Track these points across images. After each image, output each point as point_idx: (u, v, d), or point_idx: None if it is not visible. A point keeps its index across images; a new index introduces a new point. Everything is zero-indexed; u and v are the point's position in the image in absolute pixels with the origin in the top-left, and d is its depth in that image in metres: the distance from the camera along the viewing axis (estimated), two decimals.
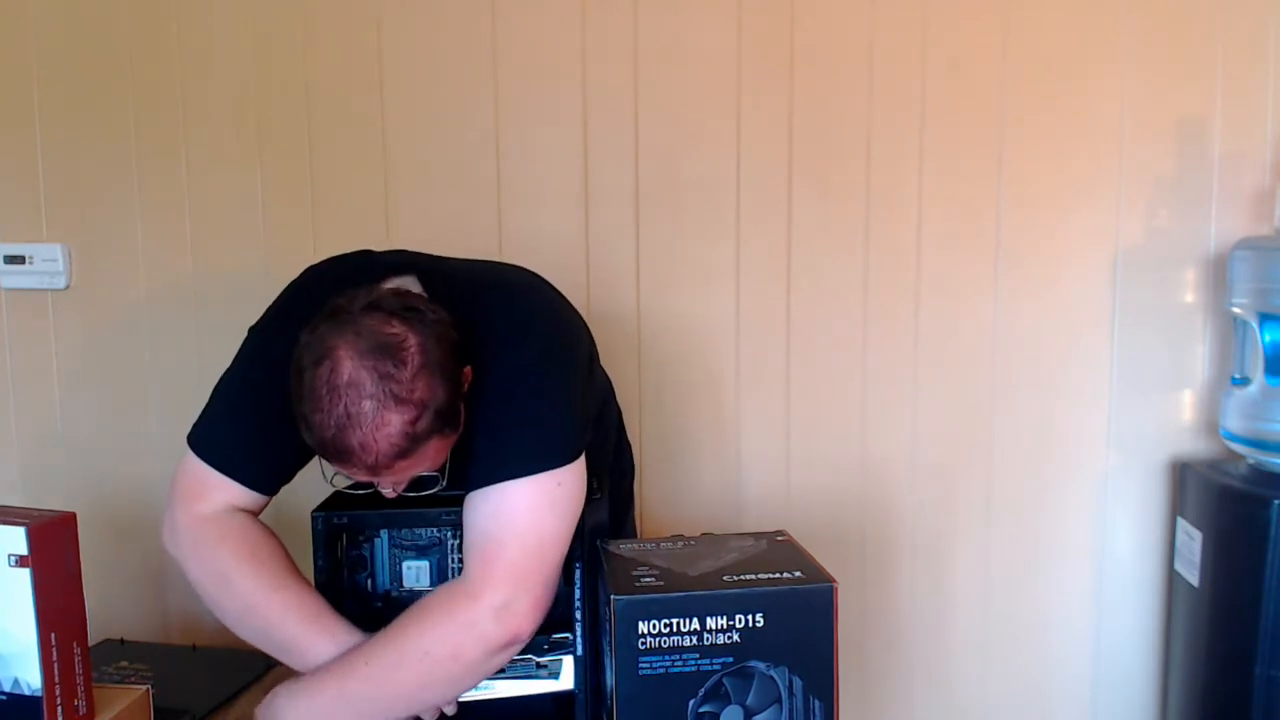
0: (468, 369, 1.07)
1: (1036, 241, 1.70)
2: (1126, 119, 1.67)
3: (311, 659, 1.10)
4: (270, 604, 1.12)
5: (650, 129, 1.68)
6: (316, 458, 1.08)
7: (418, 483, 1.12)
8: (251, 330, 1.20)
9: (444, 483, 1.11)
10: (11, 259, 1.73)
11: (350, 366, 0.98)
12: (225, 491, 1.18)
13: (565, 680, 1.12)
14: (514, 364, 1.10)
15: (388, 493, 1.11)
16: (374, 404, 0.97)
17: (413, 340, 1.00)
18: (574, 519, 1.09)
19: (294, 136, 1.69)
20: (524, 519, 1.06)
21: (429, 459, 1.06)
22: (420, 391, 0.99)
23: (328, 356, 0.98)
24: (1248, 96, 1.66)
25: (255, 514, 1.21)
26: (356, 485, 1.13)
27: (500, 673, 1.09)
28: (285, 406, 1.05)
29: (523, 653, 1.09)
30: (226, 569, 1.14)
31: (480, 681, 1.08)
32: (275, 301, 1.22)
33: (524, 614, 1.04)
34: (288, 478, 1.21)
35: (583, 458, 1.11)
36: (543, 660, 1.13)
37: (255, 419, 1.16)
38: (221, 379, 1.21)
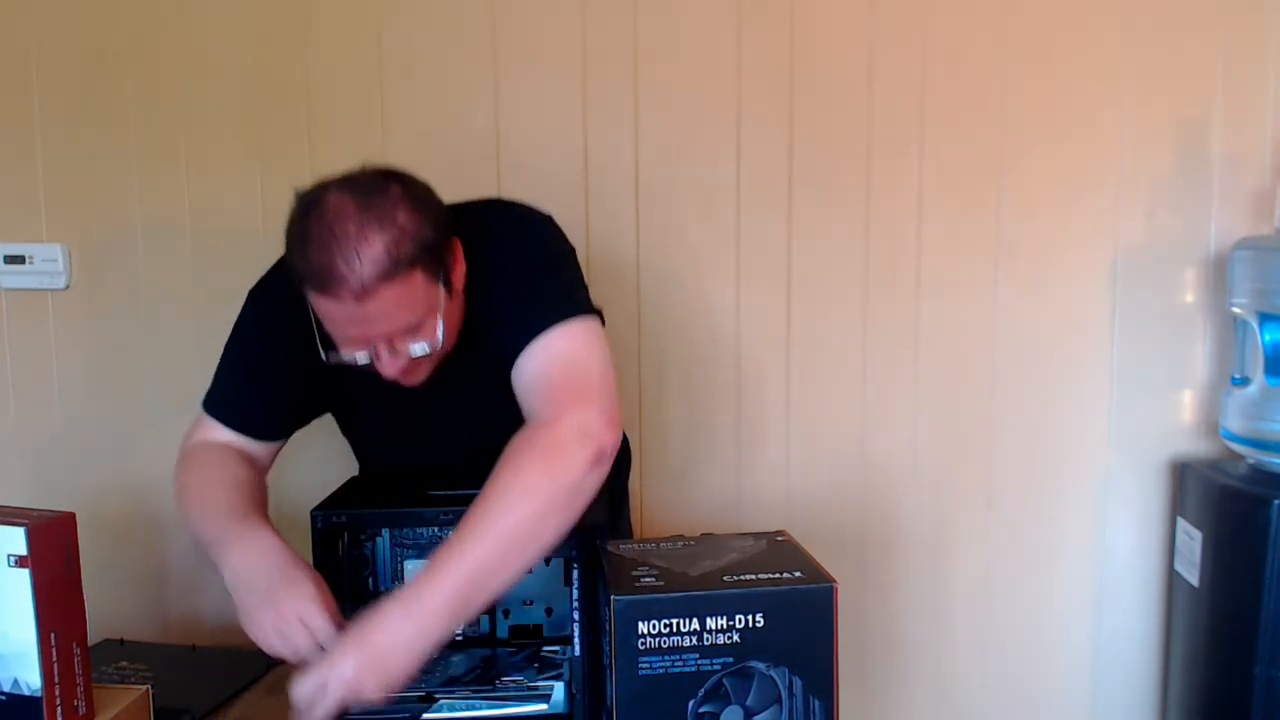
0: (456, 240, 1.13)
1: (1036, 241, 1.70)
2: (1126, 119, 1.67)
3: (240, 548, 1.10)
4: (216, 501, 1.16)
5: (650, 129, 1.68)
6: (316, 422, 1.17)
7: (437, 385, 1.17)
8: (249, 293, 1.27)
9: (439, 341, 1.12)
10: (11, 259, 1.73)
11: (336, 202, 1.06)
12: (224, 436, 1.27)
13: (557, 704, 1.12)
14: (520, 246, 1.19)
15: (388, 370, 1.12)
16: (357, 225, 1.04)
17: (396, 186, 1.09)
18: (610, 362, 1.15)
19: (294, 136, 1.69)
20: (571, 354, 1.12)
21: (418, 303, 1.08)
22: (402, 220, 1.06)
23: (317, 202, 1.07)
24: (1248, 96, 1.66)
25: (258, 459, 1.28)
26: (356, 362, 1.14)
27: (493, 699, 1.10)
28: (279, 359, 1.19)
29: (515, 678, 1.12)
30: (198, 476, 1.22)
31: (585, 502, 1.05)
32: (272, 266, 1.27)
33: (602, 427, 1.06)
34: (283, 428, 1.29)
35: (595, 317, 1.18)
36: (535, 685, 1.13)
37: (250, 371, 1.26)
38: (226, 342, 1.29)
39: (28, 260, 1.73)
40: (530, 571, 1.23)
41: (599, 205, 1.70)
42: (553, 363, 1.11)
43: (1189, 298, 1.71)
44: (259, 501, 1.20)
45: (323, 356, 1.13)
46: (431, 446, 1.29)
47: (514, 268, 1.18)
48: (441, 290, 1.11)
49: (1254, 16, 1.65)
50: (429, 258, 1.08)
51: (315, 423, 1.37)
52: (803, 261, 1.71)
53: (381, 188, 1.08)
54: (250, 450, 1.27)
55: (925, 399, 1.74)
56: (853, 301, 1.72)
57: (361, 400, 1.28)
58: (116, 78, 1.69)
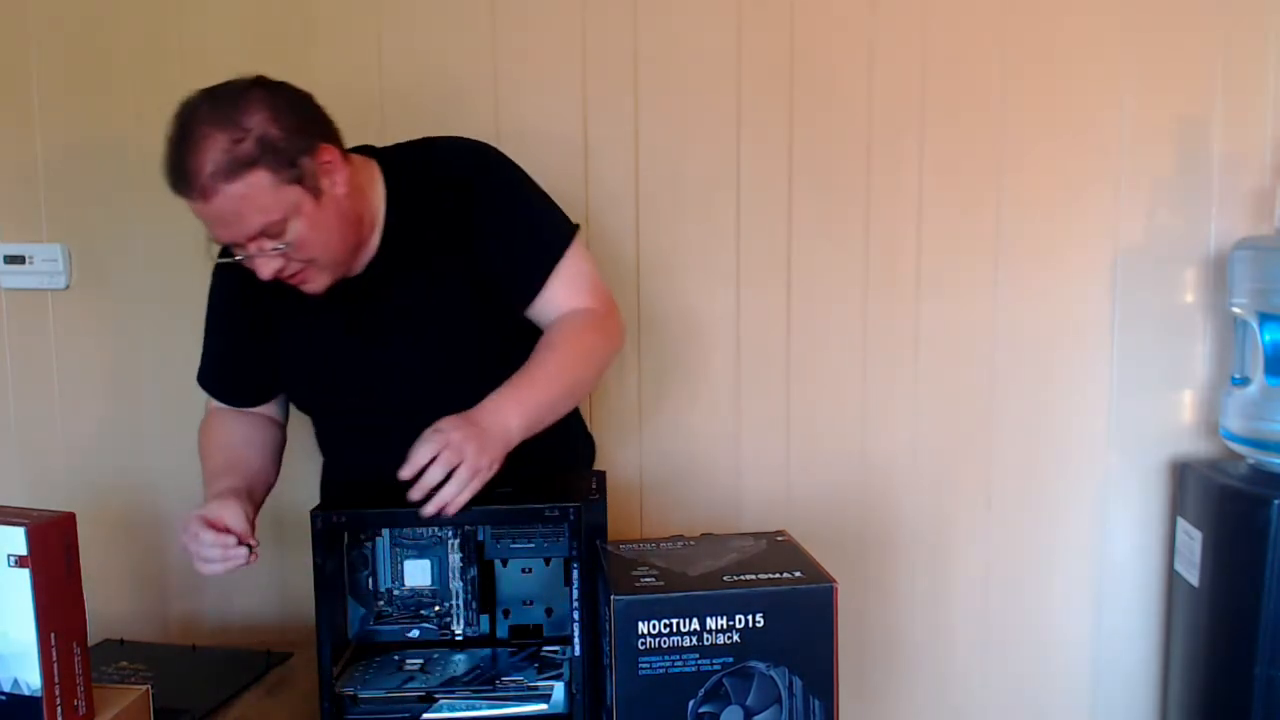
0: (323, 144, 1.17)
1: (1036, 241, 1.70)
2: (1126, 119, 1.67)
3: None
4: (209, 465, 1.32)
5: (650, 129, 1.68)
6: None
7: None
8: (215, 265, 1.31)
9: (291, 242, 1.17)
10: (11, 259, 1.73)
11: (190, 104, 1.14)
12: (216, 404, 1.40)
13: (557, 704, 1.12)
14: (494, 184, 1.29)
15: (263, 272, 1.18)
16: (202, 127, 1.11)
17: (258, 91, 1.14)
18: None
19: None
20: (585, 272, 1.31)
21: (269, 204, 1.13)
22: (250, 121, 1.12)
23: (179, 108, 1.14)
24: (1248, 96, 1.66)
25: (268, 414, 1.41)
26: (229, 255, 1.21)
27: (493, 699, 1.11)
28: (236, 326, 1.31)
29: (515, 678, 1.13)
30: (203, 441, 1.37)
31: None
32: None
33: (621, 321, 1.34)
34: (255, 393, 1.39)
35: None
36: (535, 685, 1.13)
37: (216, 341, 1.37)
38: None
39: (28, 260, 1.73)
40: (529, 572, 1.25)
41: (599, 205, 1.70)
42: (581, 275, 1.30)
43: (1189, 298, 1.71)
44: (241, 459, 1.32)
45: (208, 253, 1.24)
46: (384, 404, 1.30)
47: (499, 209, 1.27)
48: (301, 192, 1.15)
49: (1254, 16, 1.65)
50: (275, 158, 1.12)
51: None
52: (803, 261, 1.71)
53: (238, 91, 1.13)
54: (251, 411, 1.39)
55: (925, 399, 1.74)
56: (853, 301, 1.72)
57: (310, 351, 1.32)
58: (116, 78, 1.69)
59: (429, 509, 1.07)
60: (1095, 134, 1.68)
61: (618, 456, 1.72)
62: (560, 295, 1.28)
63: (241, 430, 1.37)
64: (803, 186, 1.70)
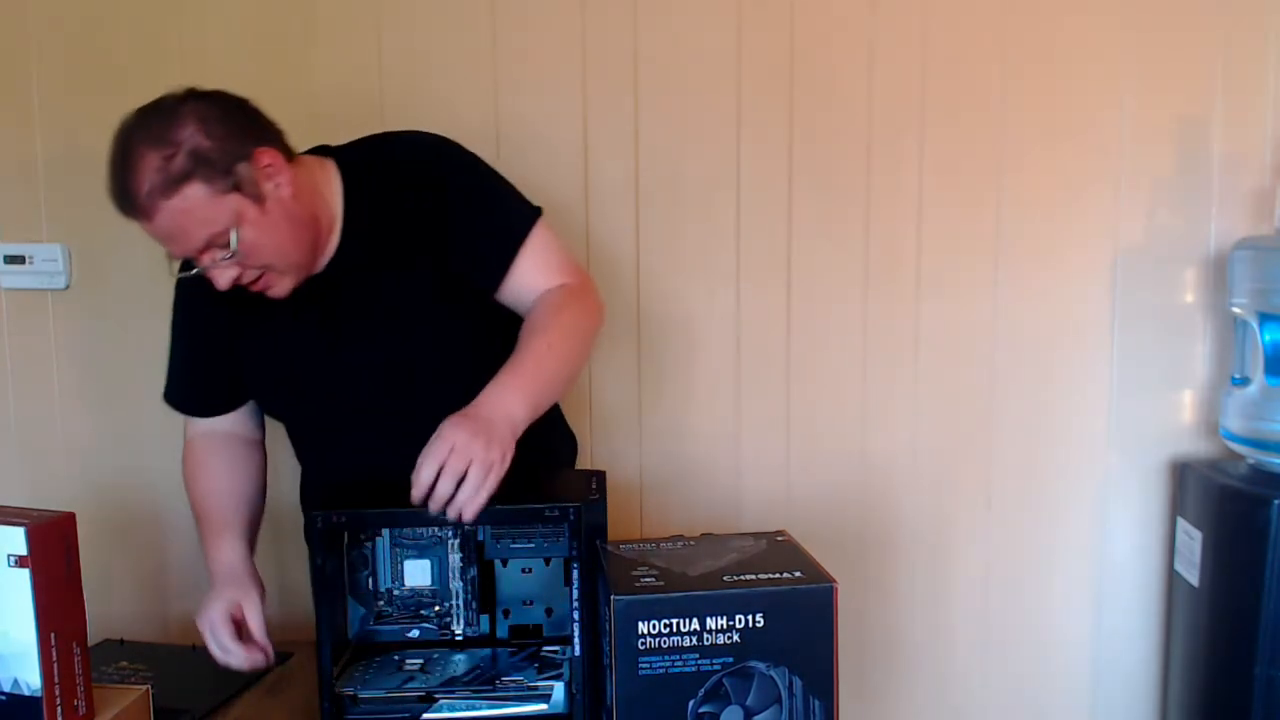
0: (260, 149, 1.16)
1: (1036, 241, 1.70)
2: (1126, 119, 1.67)
3: (210, 560, 1.29)
4: (199, 510, 1.34)
5: (650, 129, 1.68)
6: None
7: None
8: (176, 280, 1.31)
9: (236, 250, 1.16)
10: (11, 259, 1.73)
11: (124, 125, 1.15)
12: (193, 424, 1.40)
13: (557, 704, 1.12)
14: (455, 176, 1.29)
15: (220, 282, 1.19)
16: (135, 145, 1.12)
17: (189, 103, 1.14)
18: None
19: (294, 137, 1.68)
20: (552, 249, 1.31)
21: (210, 216, 1.13)
22: (178, 134, 1.12)
23: (117, 131, 1.15)
24: (1248, 96, 1.66)
25: (243, 435, 1.40)
26: (189, 267, 1.21)
27: (493, 699, 1.11)
28: (197, 337, 1.33)
29: (515, 678, 1.13)
30: (190, 481, 1.37)
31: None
32: None
33: (598, 295, 1.34)
34: (223, 402, 1.38)
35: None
36: (535, 684, 1.13)
37: (180, 355, 1.38)
38: None
39: (28, 260, 1.73)
40: (529, 572, 1.25)
41: (599, 205, 1.70)
42: (549, 252, 1.30)
43: (1189, 298, 1.71)
44: (238, 500, 1.34)
45: (174, 274, 1.23)
46: (355, 403, 1.30)
47: (450, 202, 1.26)
48: (241, 199, 1.15)
49: (1254, 16, 1.65)
50: (209, 169, 1.12)
51: None
52: (803, 261, 1.71)
53: (169, 107, 1.14)
54: (224, 428, 1.39)
55: (925, 399, 1.74)
56: (853, 301, 1.72)
57: (276, 355, 1.31)
58: (116, 78, 1.68)
59: (449, 516, 1.07)
60: (1095, 134, 1.68)
61: (618, 456, 1.72)
62: (530, 274, 1.28)
63: (226, 468, 1.37)
64: (803, 186, 1.70)
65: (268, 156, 1.17)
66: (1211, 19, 1.65)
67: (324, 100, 1.69)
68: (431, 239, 1.25)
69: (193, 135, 1.12)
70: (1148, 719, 1.79)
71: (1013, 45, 1.67)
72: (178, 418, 1.41)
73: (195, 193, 1.12)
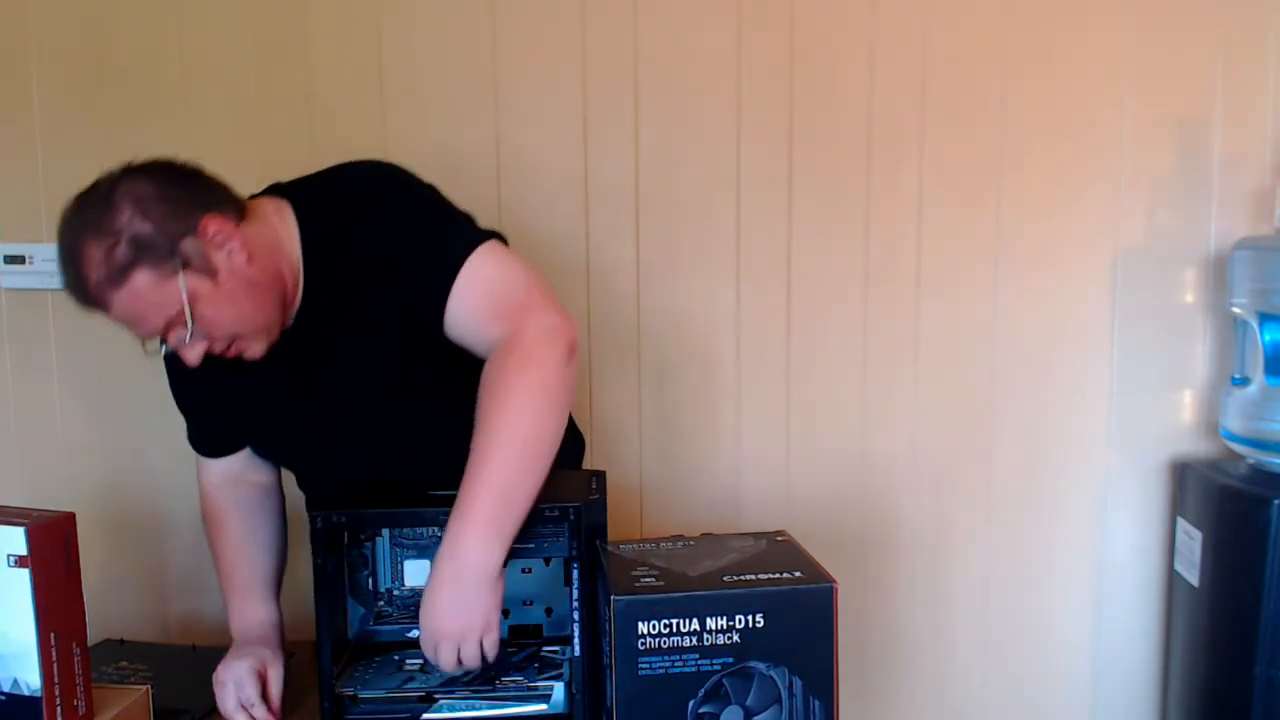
0: (206, 219, 1.10)
1: (1036, 241, 1.70)
2: (1126, 119, 1.67)
3: (234, 619, 1.29)
4: (222, 570, 1.33)
5: (650, 129, 1.68)
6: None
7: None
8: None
9: (191, 330, 1.12)
10: (11, 259, 1.73)
11: (64, 215, 1.11)
12: (206, 468, 1.37)
13: (557, 704, 1.12)
14: (388, 211, 1.18)
15: (190, 359, 1.15)
16: (77, 239, 1.09)
17: (124, 183, 1.10)
18: (529, 265, 1.19)
19: (294, 137, 1.69)
20: (495, 277, 1.15)
21: (162, 300, 1.10)
22: (116, 221, 1.07)
23: (59, 223, 1.11)
24: (1248, 96, 1.66)
25: (258, 480, 1.37)
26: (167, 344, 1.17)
27: (493, 699, 1.11)
28: (188, 382, 1.27)
29: (515, 678, 1.13)
30: (211, 535, 1.36)
31: (571, 393, 1.13)
32: None
33: (559, 322, 1.12)
34: (227, 446, 1.35)
35: (497, 240, 1.19)
36: (535, 684, 1.13)
37: (181, 399, 1.35)
38: None
39: (28, 260, 1.73)
40: (529, 572, 1.25)
41: (599, 205, 1.70)
42: (484, 293, 1.14)
43: (1189, 298, 1.71)
44: (259, 553, 1.34)
45: (147, 351, 1.19)
46: (346, 447, 1.28)
47: (390, 234, 1.17)
48: (193, 276, 1.10)
49: (1254, 16, 1.65)
50: (153, 254, 1.08)
51: None
52: (803, 261, 1.71)
53: (104, 193, 1.09)
54: (237, 471, 1.36)
55: (925, 399, 1.74)
56: (853, 301, 1.72)
57: (256, 410, 1.29)
58: (116, 78, 1.69)
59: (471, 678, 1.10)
60: (1095, 134, 1.68)
61: (618, 456, 1.72)
62: (469, 319, 1.15)
63: (243, 526, 1.34)
64: (803, 186, 1.70)
65: (215, 225, 1.11)
66: (1211, 19, 1.65)
67: (324, 100, 1.69)
68: (376, 275, 1.18)
69: (131, 220, 1.08)
70: (1148, 719, 1.79)
71: (1013, 45, 1.67)
72: (178, 417, 1.41)
73: (142, 280, 1.08)
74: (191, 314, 1.11)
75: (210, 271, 1.11)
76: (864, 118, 1.68)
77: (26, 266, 1.73)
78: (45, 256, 1.73)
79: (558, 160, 1.68)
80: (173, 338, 1.13)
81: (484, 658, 1.08)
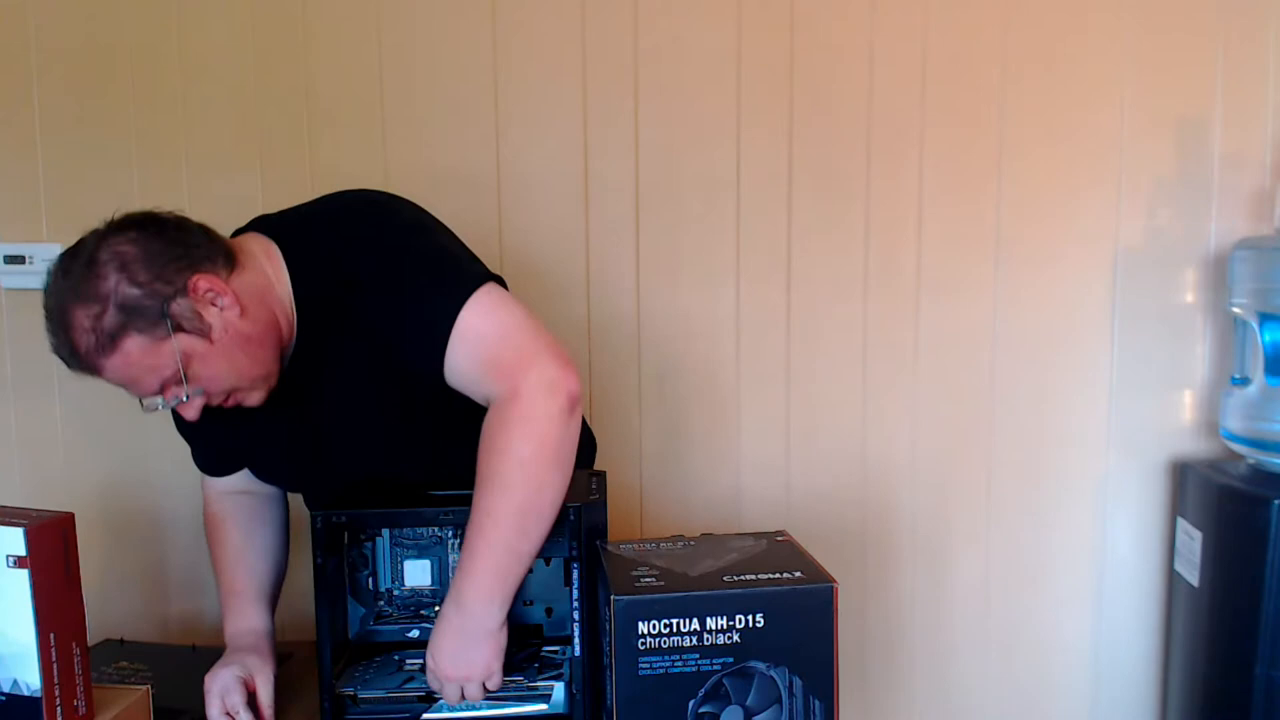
0: (195, 277, 1.08)
1: (1036, 242, 1.70)
2: (1126, 119, 1.67)
3: (227, 626, 1.27)
4: (220, 576, 1.32)
5: (650, 129, 1.68)
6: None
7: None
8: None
9: (187, 390, 1.11)
10: (11, 259, 1.73)
11: (50, 280, 1.09)
12: (209, 482, 1.36)
13: (557, 704, 1.12)
14: (380, 248, 1.13)
15: (189, 415, 1.14)
16: (64, 307, 1.07)
17: (109, 246, 1.07)
18: (529, 313, 1.12)
19: (294, 137, 1.69)
20: (492, 327, 1.09)
21: (155, 363, 1.08)
22: (103, 287, 1.05)
23: (45, 287, 1.09)
24: (1248, 96, 1.66)
25: (261, 490, 1.35)
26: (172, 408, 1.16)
27: (493, 699, 1.12)
28: (199, 425, 1.19)
29: (515, 678, 1.13)
30: (212, 545, 1.34)
31: (573, 449, 1.08)
32: None
33: (560, 374, 1.06)
34: (233, 464, 1.34)
35: (493, 282, 1.12)
36: (535, 684, 1.13)
37: (184, 427, 1.29)
38: None
39: (28, 260, 1.73)
40: (531, 570, 1.24)
41: (599, 205, 1.70)
42: (480, 343, 1.09)
43: (1189, 298, 1.71)
44: (255, 560, 1.32)
45: (146, 408, 1.15)
46: (345, 478, 1.25)
47: (385, 275, 1.11)
48: (186, 338, 1.08)
49: (1254, 16, 1.65)
50: (142, 318, 1.06)
51: None
52: (803, 261, 1.71)
53: (89, 255, 1.07)
54: (240, 485, 1.35)
55: (925, 399, 1.74)
56: (853, 301, 1.72)
57: (253, 443, 1.29)
58: (116, 78, 1.69)
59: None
60: (1095, 134, 1.68)
61: (618, 456, 1.72)
62: (463, 378, 1.10)
63: (241, 534, 1.33)
64: (803, 186, 1.70)
65: (205, 282, 1.08)
66: (1211, 19, 1.65)
67: (324, 100, 1.69)
68: (376, 337, 1.14)
69: (118, 285, 1.05)
70: (1147, 719, 1.79)
71: (1013, 45, 1.67)
72: None
73: (134, 345, 1.07)
74: (186, 374, 1.09)
75: (203, 330, 1.09)
76: (864, 118, 1.68)
77: (26, 266, 1.73)
78: (45, 256, 1.72)
79: (558, 159, 1.68)
80: (170, 396, 1.11)
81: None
